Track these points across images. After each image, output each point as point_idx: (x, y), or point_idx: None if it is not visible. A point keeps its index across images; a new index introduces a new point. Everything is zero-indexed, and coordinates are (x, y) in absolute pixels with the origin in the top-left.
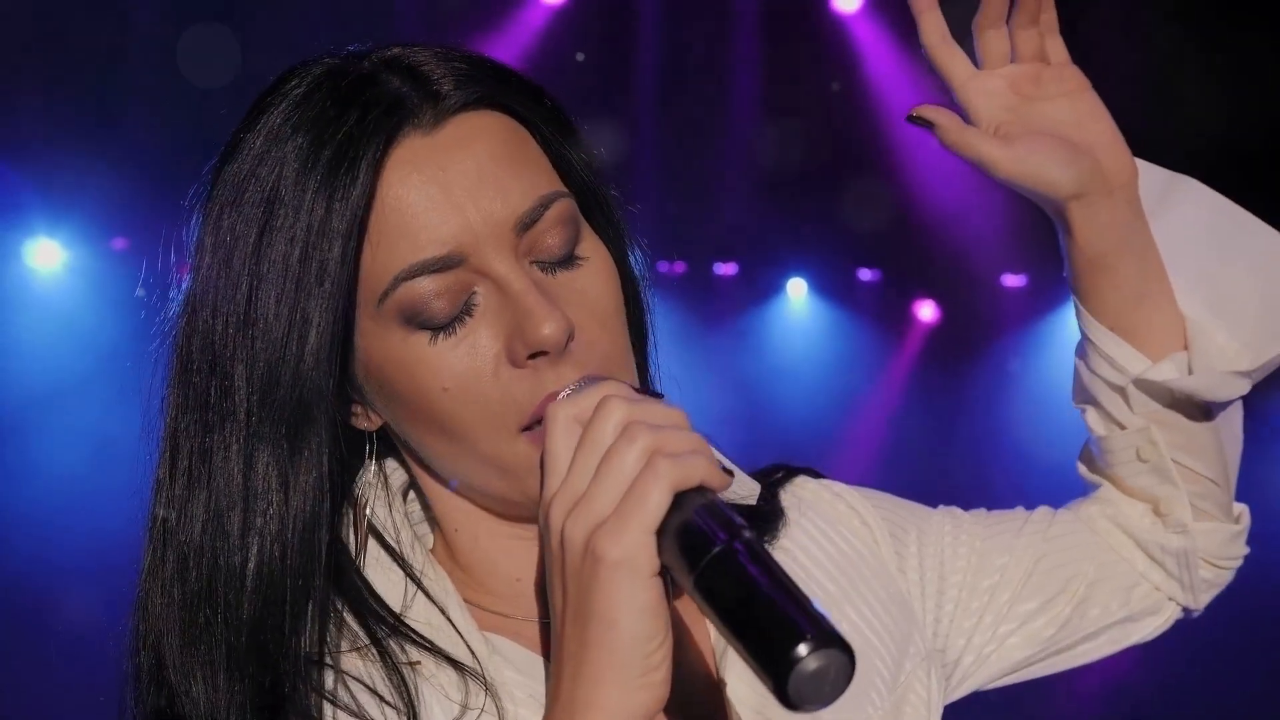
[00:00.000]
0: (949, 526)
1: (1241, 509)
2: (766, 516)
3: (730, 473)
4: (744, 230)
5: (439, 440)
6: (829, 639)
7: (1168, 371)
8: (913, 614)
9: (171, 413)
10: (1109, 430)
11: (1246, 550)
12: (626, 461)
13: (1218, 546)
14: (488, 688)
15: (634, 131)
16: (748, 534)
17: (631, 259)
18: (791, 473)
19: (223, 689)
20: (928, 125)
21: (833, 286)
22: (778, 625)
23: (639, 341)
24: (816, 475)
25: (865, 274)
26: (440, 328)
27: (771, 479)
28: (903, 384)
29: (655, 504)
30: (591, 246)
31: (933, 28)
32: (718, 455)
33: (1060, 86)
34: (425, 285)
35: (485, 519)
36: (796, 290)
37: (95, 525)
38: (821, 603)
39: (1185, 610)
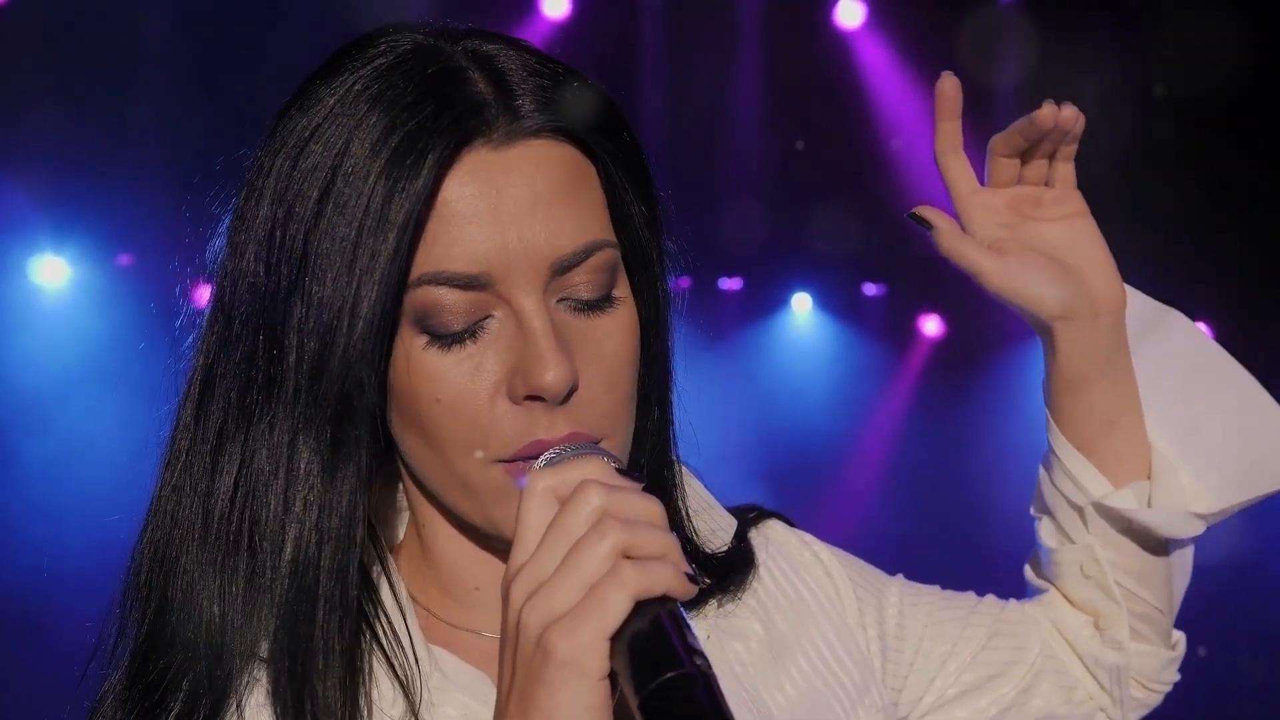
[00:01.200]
0: (909, 594)
1: (1179, 637)
2: (738, 563)
3: (695, 580)
4: (748, 245)
5: (418, 444)
6: None
7: (1127, 500)
8: (871, 668)
9: (206, 351)
10: (1059, 544)
11: (1178, 677)
12: (594, 559)
13: (1151, 670)
14: (415, 712)
15: None
16: (701, 662)
17: (668, 322)
18: (764, 515)
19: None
20: (926, 226)
21: (837, 301)
22: None
23: (661, 406)
24: (789, 522)
25: (870, 288)
26: (449, 339)
27: (745, 518)
28: (908, 398)
29: (615, 611)
30: (622, 300)
31: (947, 137)
32: (684, 563)
33: (1059, 210)
34: (445, 295)
35: (452, 525)
36: (801, 305)
37: (97, 538)
38: (776, 645)
39: None
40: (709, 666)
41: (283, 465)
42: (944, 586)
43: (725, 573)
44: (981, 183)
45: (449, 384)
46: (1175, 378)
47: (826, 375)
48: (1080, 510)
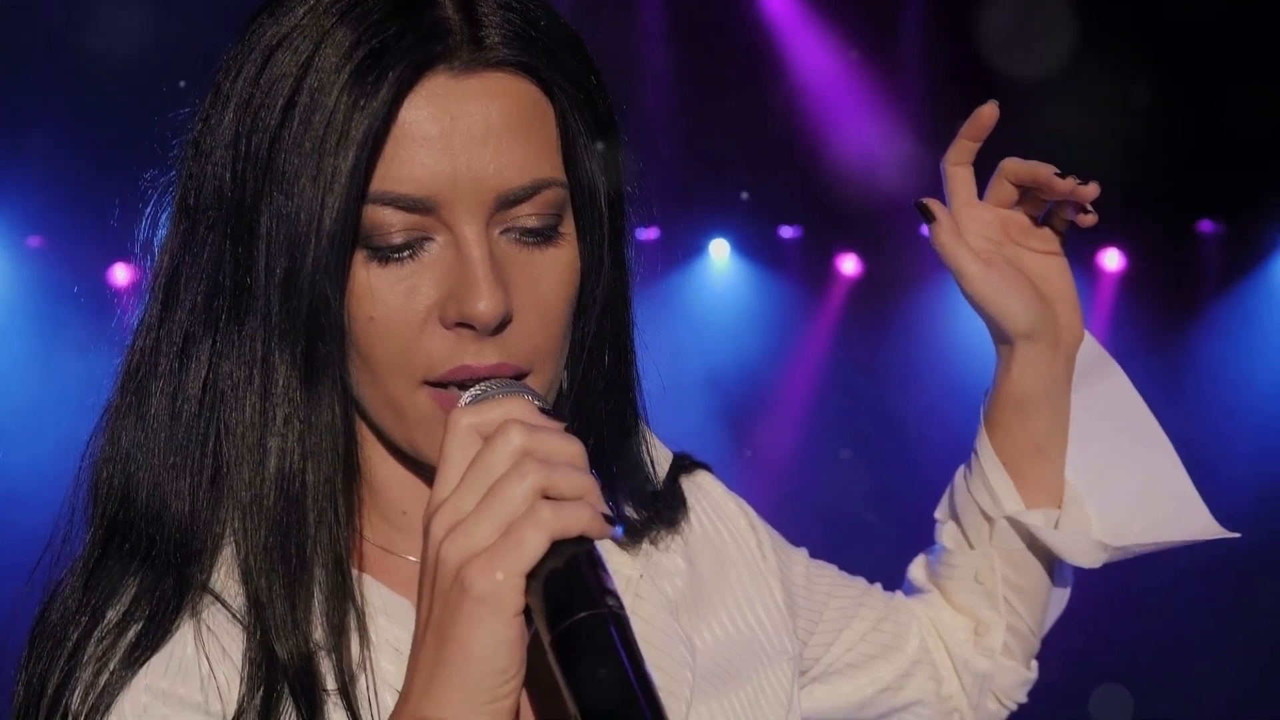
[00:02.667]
0: (813, 565)
1: (1035, 665)
2: (671, 502)
3: (611, 520)
4: (663, 194)
5: (355, 363)
6: None
7: (1039, 519)
8: (784, 618)
9: (170, 252)
10: (958, 547)
11: (1025, 700)
12: (513, 499)
13: (1009, 685)
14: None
15: None
16: (613, 602)
17: (625, 267)
18: (695, 464)
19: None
20: (928, 217)
21: (754, 246)
22: (619, 713)
23: (616, 352)
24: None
25: (787, 231)
26: (388, 258)
27: (678, 462)
28: (829, 338)
29: (531, 550)
30: (565, 240)
31: (963, 152)
32: (602, 504)
33: (1042, 244)
34: (390, 215)
35: (385, 448)
36: (719, 251)
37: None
38: (700, 588)
39: None
40: (621, 608)
41: (256, 376)
42: (865, 496)
43: (659, 510)
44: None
45: (383, 303)
46: (1101, 424)
47: (747, 319)
48: (991, 522)
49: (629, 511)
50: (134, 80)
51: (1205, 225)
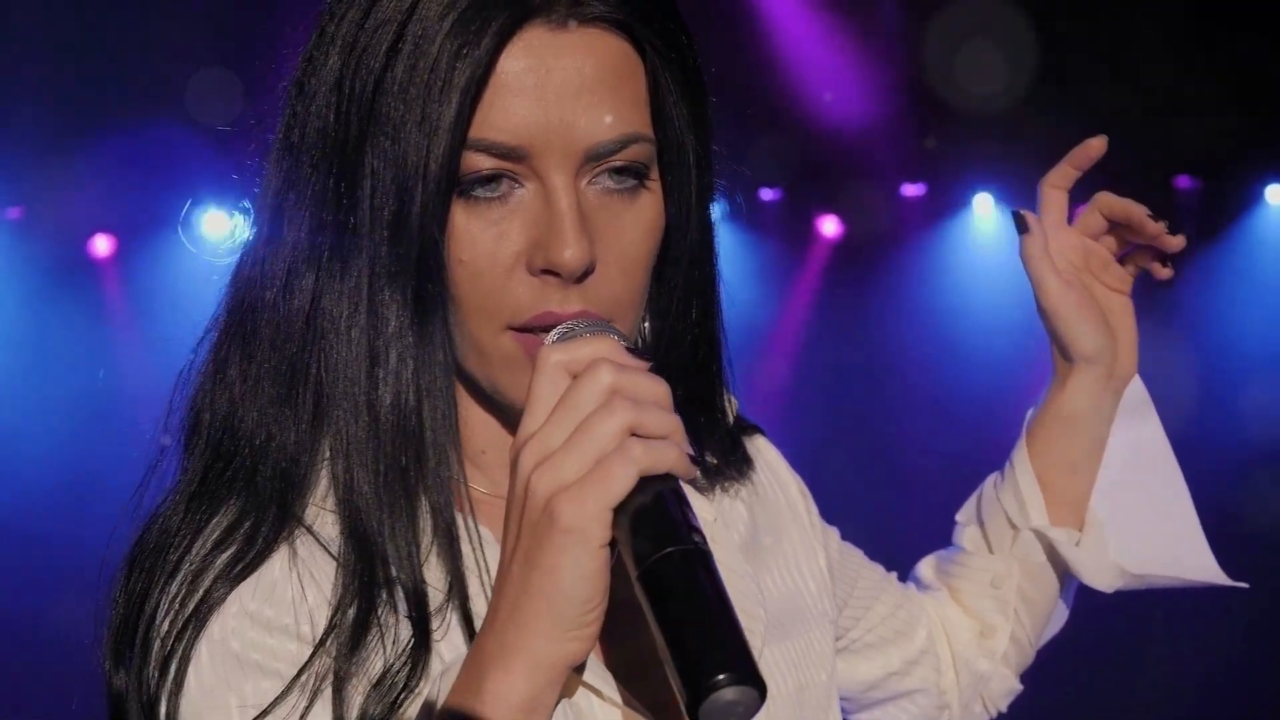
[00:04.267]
0: (844, 543)
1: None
2: (742, 452)
3: (696, 461)
4: None
5: (449, 303)
6: (750, 677)
7: (1062, 536)
8: (826, 582)
9: (275, 189)
10: (978, 550)
11: (1005, 710)
12: (602, 434)
13: (999, 693)
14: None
15: None
16: (699, 539)
17: (708, 224)
18: (751, 426)
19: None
20: (1023, 228)
21: (735, 207)
22: (708, 648)
23: (702, 305)
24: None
25: (767, 193)
26: (479, 202)
27: (739, 421)
28: (810, 299)
29: (619, 484)
30: (651, 193)
31: (1064, 177)
32: (687, 444)
33: (1116, 281)
34: (484, 161)
35: (467, 388)
36: None
37: None
38: (758, 540)
39: None
40: (706, 544)
41: (362, 314)
42: (847, 458)
43: (732, 459)
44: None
45: (474, 246)
46: (1130, 461)
47: (728, 280)
48: (1015, 531)
49: (708, 457)
50: (114, 50)
51: (1182, 181)
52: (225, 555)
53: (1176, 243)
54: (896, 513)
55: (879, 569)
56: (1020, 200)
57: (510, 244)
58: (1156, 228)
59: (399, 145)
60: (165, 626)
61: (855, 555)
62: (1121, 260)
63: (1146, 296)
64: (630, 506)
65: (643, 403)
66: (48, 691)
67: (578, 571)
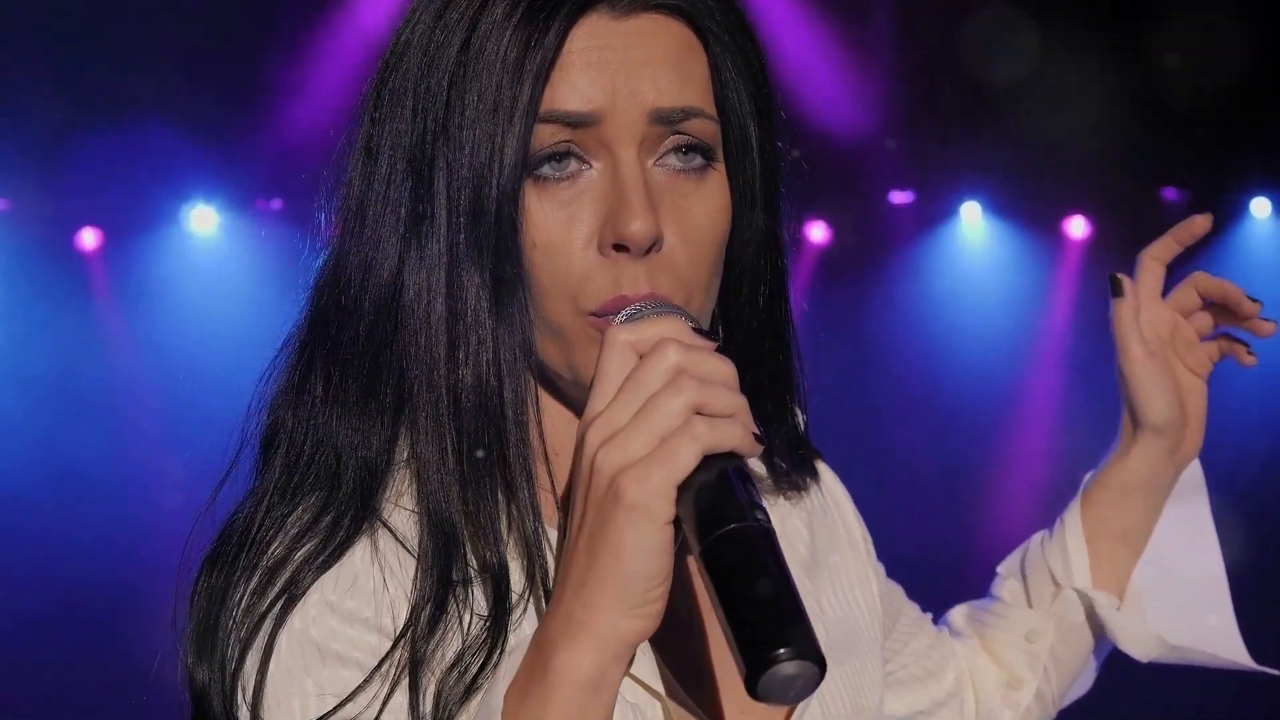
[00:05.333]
0: (888, 578)
1: None
2: (806, 463)
3: (761, 440)
4: None
5: (525, 288)
6: (810, 652)
7: (1104, 600)
8: (877, 611)
9: (356, 188)
10: (1016, 603)
11: None
12: (668, 413)
13: None
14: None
15: None
16: (762, 517)
17: (775, 210)
18: (811, 449)
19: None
20: (1117, 291)
21: None
22: (769, 622)
23: (773, 305)
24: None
25: None
26: (550, 183)
27: (803, 440)
28: (797, 305)
29: (684, 462)
30: (716, 176)
31: (1166, 249)
32: (752, 424)
33: (1198, 365)
34: (557, 133)
35: (539, 380)
36: None
37: None
38: (816, 560)
39: None
40: (769, 522)
41: (441, 300)
42: (838, 465)
43: (799, 464)
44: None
45: (546, 227)
46: (1177, 541)
47: None
48: (1058, 588)
49: (775, 459)
50: (101, 42)
51: (1169, 193)
52: (306, 549)
53: (1268, 328)
54: (886, 518)
55: (916, 608)
56: (1006, 207)
57: (582, 225)
58: (1252, 308)
59: (474, 133)
60: (246, 618)
61: (898, 590)
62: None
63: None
64: (694, 484)
65: (708, 382)
66: (28, 680)
67: (643, 548)
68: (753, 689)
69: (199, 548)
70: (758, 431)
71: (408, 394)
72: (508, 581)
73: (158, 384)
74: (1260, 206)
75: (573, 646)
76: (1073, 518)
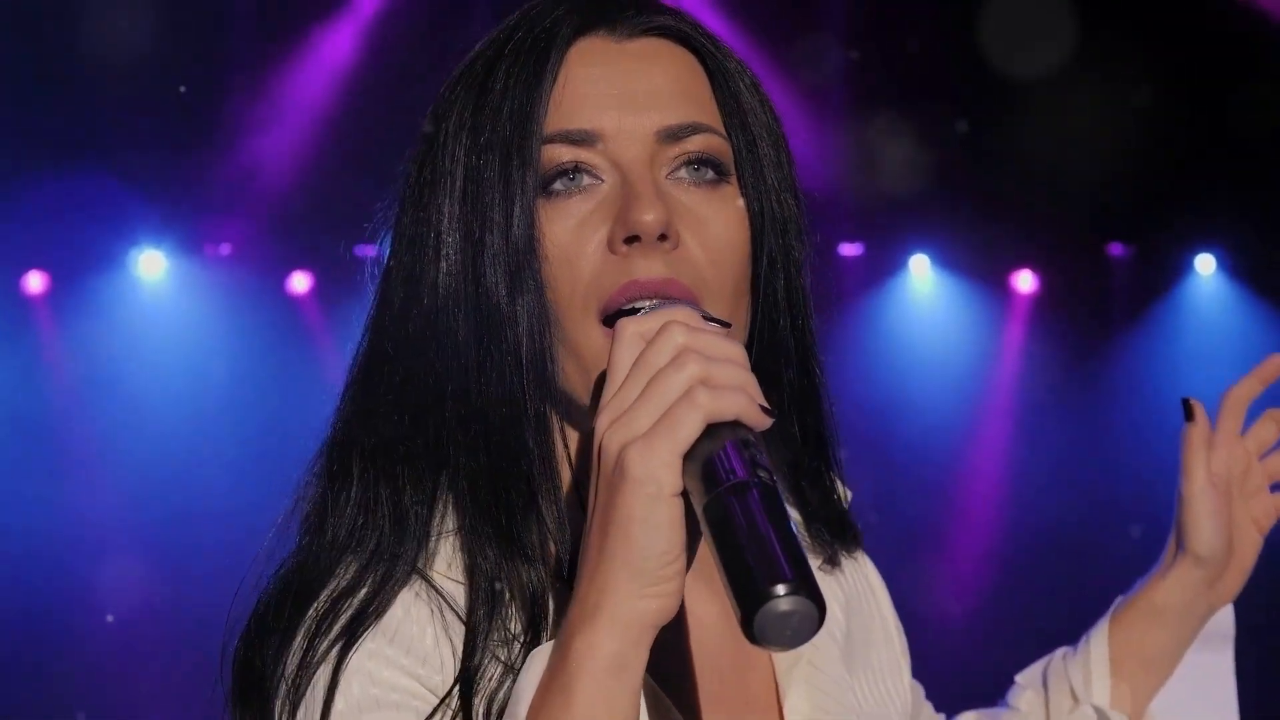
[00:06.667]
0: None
1: None
2: (850, 532)
3: (771, 413)
4: None
5: (546, 304)
6: (806, 588)
7: None
8: (908, 704)
9: (408, 209)
10: (1033, 713)
11: None
12: (671, 386)
13: None
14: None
15: None
16: (764, 474)
17: (798, 230)
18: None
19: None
20: (1189, 416)
21: None
22: (764, 562)
23: (793, 312)
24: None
25: None
26: (559, 196)
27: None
28: None
29: (686, 431)
30: (730, 188)
31: (1249, 388)
32: (760, 397)
33: (1261, 515)
34: (564, 152)
35: (569, 425)
36: None
37: None
38: (851, 645)
39: None
40: (773, 481)
41: (469, 323)
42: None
43: (838, 536)
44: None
45: (556, 239)
46: (1196, 680)
47: None
48: (1076, 703)
49: (814, 526)
50: (47, 87)
51: (1115, 248)
52: (354, 600)
53: None
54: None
55: (930, 706)
56: (954, 260)
57: (593, 231)
58: None
59: (490, 160)
60: (295, 668)
61: (919, 689)
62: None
63: (1078, 361)
64: (700, 454)
65: (714, 358)
66: None
67: (650, 521)
68: (749, 629)
69: (220, 598)
70: (766, 404)
71: (450, 421)
72: (545, 605)
73: (102, 427)
74: (1205, 263)
75: (592, 630)
76: (1099, 636)
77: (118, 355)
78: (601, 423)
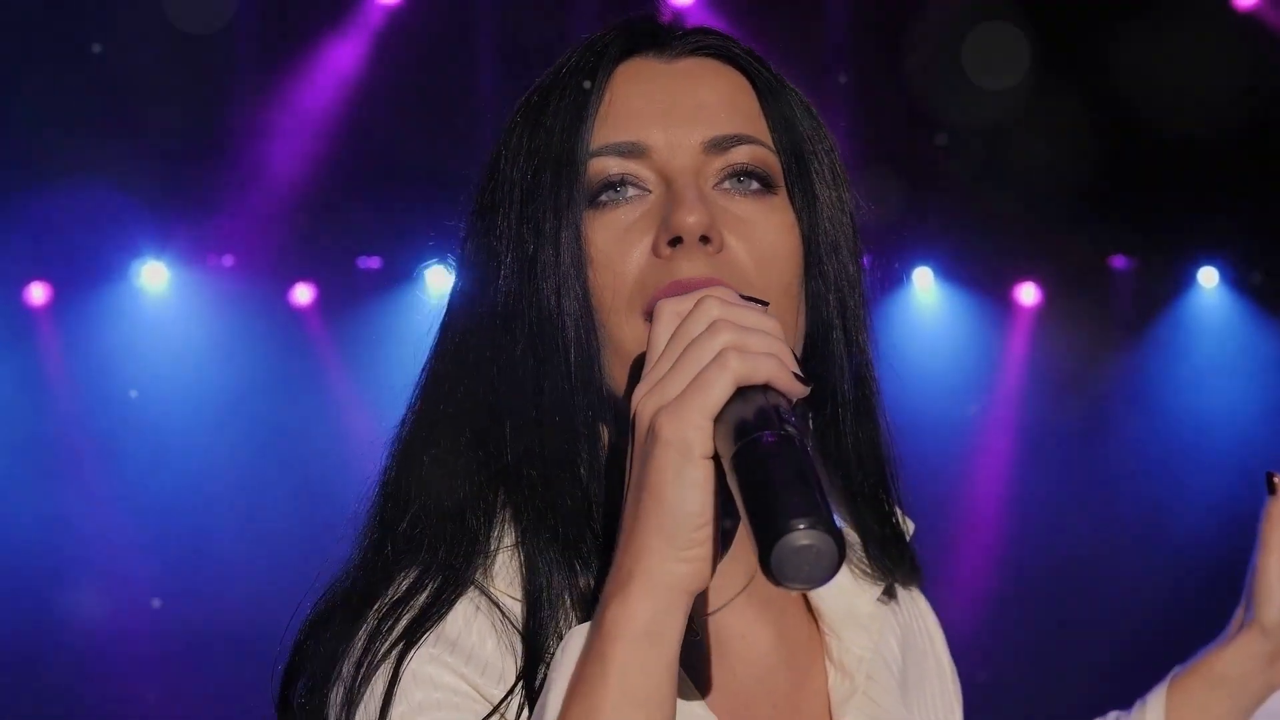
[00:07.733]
0: None
1: None
2: (911, 563)
3: (804, 381)
4: None
5: (593, 310)
6: (825, 525)
7: None
8: None
9: (471, 236)
10: None
11: None
12: (702, 353)
13: None
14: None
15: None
16: (792, 429)
17: (851, 248)
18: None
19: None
20: (1272, 490)
21: None
22: (785, 500)
23: (846, 325)
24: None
25: None
26: (606, 206)
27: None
28: None
29: (716, 393)
30: (779, 198)
31: None
32: (793, 364)
33: None
34: (612, 164)
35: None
36: None
37: None
38: (904, 680)
39: None
40: (803, 439)
41: (527, 334)
42: None
43: (897, 565)
44: None
45: (601, 243)
46: None
47: None
48: None
49: (870, 548)
50: (52, 105)
51: (1118, 261)
52: (415, 604)
53: None
54: None
55: None
56: (958, 273)
57: (638, 238)
58: None
59: (548, 171)
60: (353, 674)
61: None
62: None
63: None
64: (730, 418)
65: (748, 328)
66: None
67: (680, 482)
68: (767, 566)
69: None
70: (799, 373)
71: (507, 446)
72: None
73: (105, 439)
74: (1208, 275)
75: (625, 597)
76: (1156, 700)
77: (120, 367)
78: (639, 393)
